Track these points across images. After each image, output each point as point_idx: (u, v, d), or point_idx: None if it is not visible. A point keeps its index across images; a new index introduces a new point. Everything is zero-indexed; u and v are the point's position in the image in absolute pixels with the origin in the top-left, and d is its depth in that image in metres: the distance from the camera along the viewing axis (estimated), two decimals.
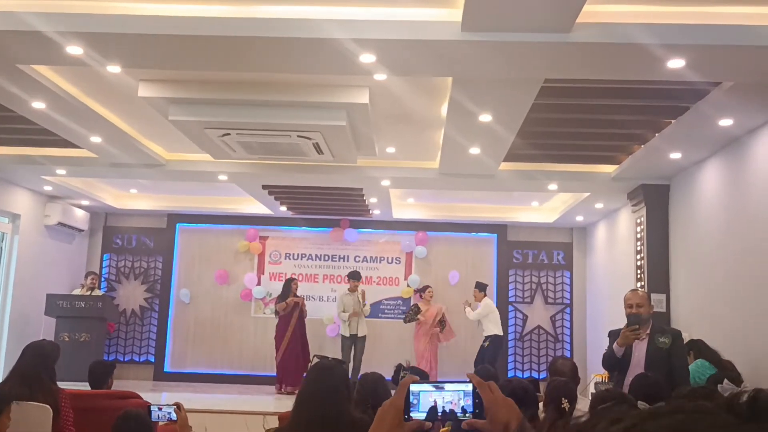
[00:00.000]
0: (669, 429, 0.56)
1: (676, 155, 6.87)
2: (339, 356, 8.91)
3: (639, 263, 8.21)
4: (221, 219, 11.36)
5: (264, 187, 9.17)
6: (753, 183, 5.95)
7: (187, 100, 5.89)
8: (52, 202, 10.18)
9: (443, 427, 3.36)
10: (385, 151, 7.62)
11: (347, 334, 9.64)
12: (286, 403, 6.29)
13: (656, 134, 6.44)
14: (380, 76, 5.04)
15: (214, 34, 4.31)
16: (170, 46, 4.51)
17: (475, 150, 6.91)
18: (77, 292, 10.34)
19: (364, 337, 9.69)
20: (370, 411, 3.25)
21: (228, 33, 4.31)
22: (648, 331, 4.56)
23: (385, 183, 8.58)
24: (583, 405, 5.14)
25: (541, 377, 10.05)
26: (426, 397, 1.17)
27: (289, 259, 11.54)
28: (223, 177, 8.52)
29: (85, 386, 4.83)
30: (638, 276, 8.18)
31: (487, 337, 9.55)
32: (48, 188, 9.59)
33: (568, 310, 11.46)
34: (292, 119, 6.05)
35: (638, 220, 8.33)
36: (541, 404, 3.59)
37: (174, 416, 3.52)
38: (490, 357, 9.33)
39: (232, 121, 6.11)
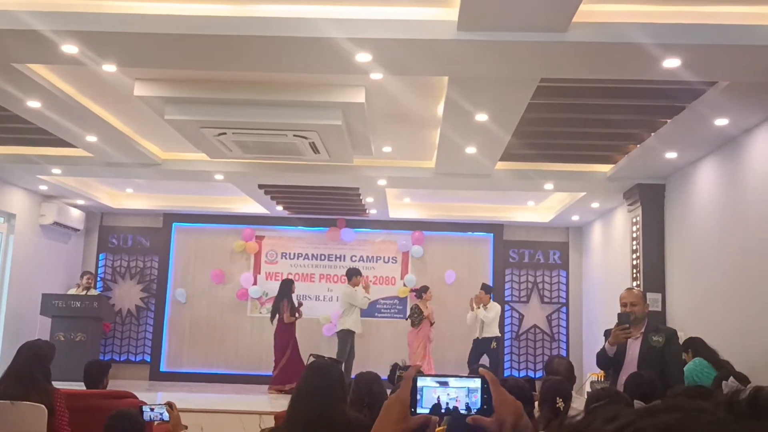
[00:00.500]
0: (665, 427, 0.55)
1: (671, 155, 6.88)
2: (334, 356, 8.89)
3: (635, 262, 8.23)
4: (217, 218, 11.34)
5: (260, 186, 9.16)
6: (748, 182, 5.96)
7: (183, 100, 5.89)
8: (47, 201, 10.14)
9: (440, 425, 3.36)
10: (382, 150, 7.61)
11: (359, 330, 9.56)
12: (282, 403, 6.28)
13: (652, 134, 6.45)
14: (376, 76, 5.04)
15: (209, 33, 4.30)
16: (166, 45, 4.50)
17: (471, 149, 6.91)
18: (73, 291, 10.30)
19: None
20: (366, 410, 3.26)
21: (224, 32, 4.30)
22: (642, 330, 4.54)
23: (382, 182, 8.58)
24: (578, 404, 5.15)
25: (537, 376, 10.07)
26: (429, 393, 1.16)
27: (286, 258, 11.52)
28: (219, 176, 8.51)
29: (80, 386, 4.81)
30: (634, 275, 8.20)
31: (492, 339, 9.58)
32: (43, 188, 9.57)
33: (564, 309, 11.47)
34: (288, 118, 6.04)
35: (634, 220, 8.34)
36: (536, 403, 3.60)
37: (166, 416, 3.51)
38: (496, 357, 9.49)
39: (228, 120, 6.11)
